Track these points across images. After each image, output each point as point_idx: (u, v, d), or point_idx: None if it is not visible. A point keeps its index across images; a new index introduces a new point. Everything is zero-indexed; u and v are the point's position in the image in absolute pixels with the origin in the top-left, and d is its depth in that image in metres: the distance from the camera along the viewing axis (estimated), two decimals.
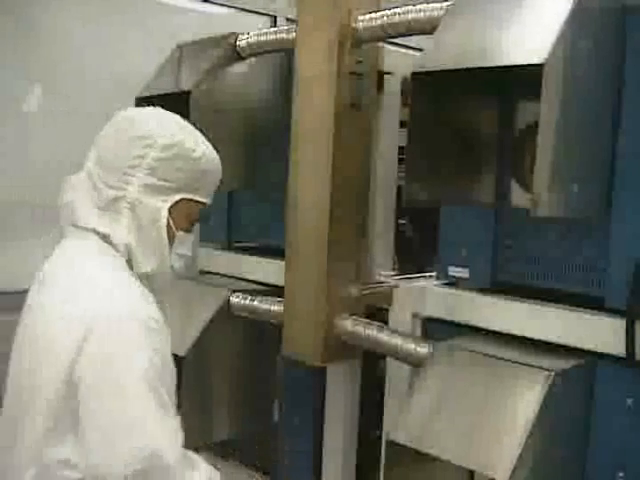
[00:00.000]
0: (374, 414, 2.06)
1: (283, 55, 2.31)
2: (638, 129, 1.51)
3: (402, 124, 2.12)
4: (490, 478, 1.41)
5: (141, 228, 1.42)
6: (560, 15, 1.39)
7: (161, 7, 2.84)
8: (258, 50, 2.26)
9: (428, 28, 1.72)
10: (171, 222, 1.44)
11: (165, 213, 1.42)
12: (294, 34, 2.03)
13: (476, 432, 1.46)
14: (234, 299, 2.21)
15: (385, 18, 1.83)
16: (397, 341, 1.79)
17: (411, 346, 1.75)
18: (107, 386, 1.26)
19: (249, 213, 2.49)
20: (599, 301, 1.58)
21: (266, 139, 2.28)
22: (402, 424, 1.55)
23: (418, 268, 2.18)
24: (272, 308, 2.12)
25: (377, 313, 2.03)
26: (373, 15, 1.86)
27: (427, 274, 2.05)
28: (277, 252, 2.18)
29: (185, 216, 1.47)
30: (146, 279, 1.44)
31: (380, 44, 2.02)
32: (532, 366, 1.50)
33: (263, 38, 2.22)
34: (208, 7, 2.97)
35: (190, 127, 1.49)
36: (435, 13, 1.71)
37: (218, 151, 1.54)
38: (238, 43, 2.28)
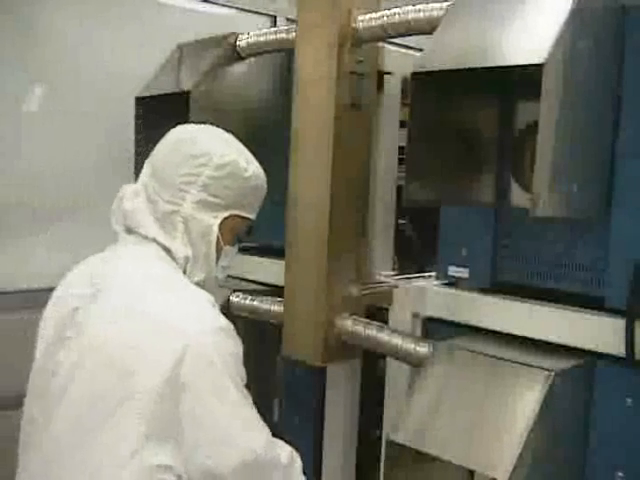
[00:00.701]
0: (374, 414, 2.06)
1: (283, 55, 2.31)
2: (638, 129, 1.51)
3: (402, 124, 2.12)
4: (490, 478, 1.41)
5: (192, 242, 1.48)
6: (560, 15, 1.39)
7: (161, 7, 2.83)
8: (258, 50, 2.27)
9: (428, 28, 1.72)
10: (220, 237, 1.50)
11: (216, 229, 1.50)
12: (294, 34, 2.03)
13: (476, 432, 1.46)
14: (234, 299, 2.21)
15: (385, 18, 1.83)
16: (397, 341, 1.79)
17: (411, 346, 1.76)
18: (211, 393, 1.33)
19: None
20: (599, 301, 1.58)
21: (266, 139, 2.27)
22: (402, 424, 1.55)
23: (418, 268, 2.18)
24: (272, 308, 2.12)
25: (377, 313, 2.03)
26: (373, 15, 1.86)
27: (427, 274, 2.06)
28: (277, 252, 2.18)
29: (231, 231, 1.54)
30: None
31: (380, 44, 2.02)
32: (532, 366, 1.50)
33: (263, 38, 2.23)
34: (208, 7, 2.97)
35: (241, 146, 1.56)
36: (435, 13, 1.71)
37: None
38: (238, 43, 2.28)
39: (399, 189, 2.13)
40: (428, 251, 2.09)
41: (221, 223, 1.50)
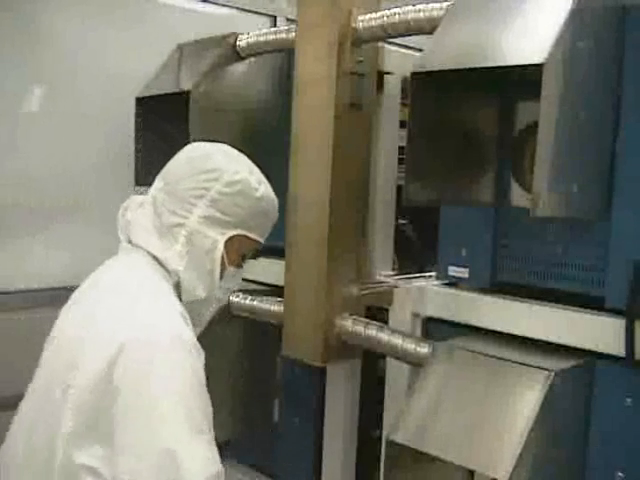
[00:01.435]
0: (374, 414, 2.06)
1: (283, 55, 2.31)
2: (638, 129, 1.51)
3: (402, 124, 2.12)
4: (490, 478, 1.41)
5: (194, 257, 1.47)
6: (560, 15, 1.39)
7: (161, 7, 2.83)
8: (258, 50, 2.27)
9: (428, 28, 1.72)
10: (224, 255, 1.49)
11: (221, 246, 1.48)
12: (294, 34, 2.03)
13: (476, 432, 1.46)
14: (234, 299, 2.21)
15: (385, 18, 1.84)
16: (397, 341, 1.79)
17: (411, 346, 1.76)
18: (142, 405, 1.26)
19: None
20: (599, 301, 1.58)
21: (266, 139, 2.28)
22: (402, 424, 1.55)
23: (418, 268, 2.18)
24: (272, 308, 2.12)
25: (377, 313, 2.03)
26: (373, 15, 1.87)
27: (427, 274, 2.06)
28: (277, 252, 2.18)
29: (237, 251, 1.52)
30: (188, 305, 1.47)
31: (380, 44, 2.02)
32: (532, 366, 1.50)
33: (263, 38, 2.23)
34: (208, 7, 2.97)
35: (255, 167, 1.55)
36: (435, 13, 1.71)
37: None
38: (238, 43, 2.28)
39: (399, 189, 2.13)
40: (428, 251, 2.09)
41: (227, 242, 1.49)
